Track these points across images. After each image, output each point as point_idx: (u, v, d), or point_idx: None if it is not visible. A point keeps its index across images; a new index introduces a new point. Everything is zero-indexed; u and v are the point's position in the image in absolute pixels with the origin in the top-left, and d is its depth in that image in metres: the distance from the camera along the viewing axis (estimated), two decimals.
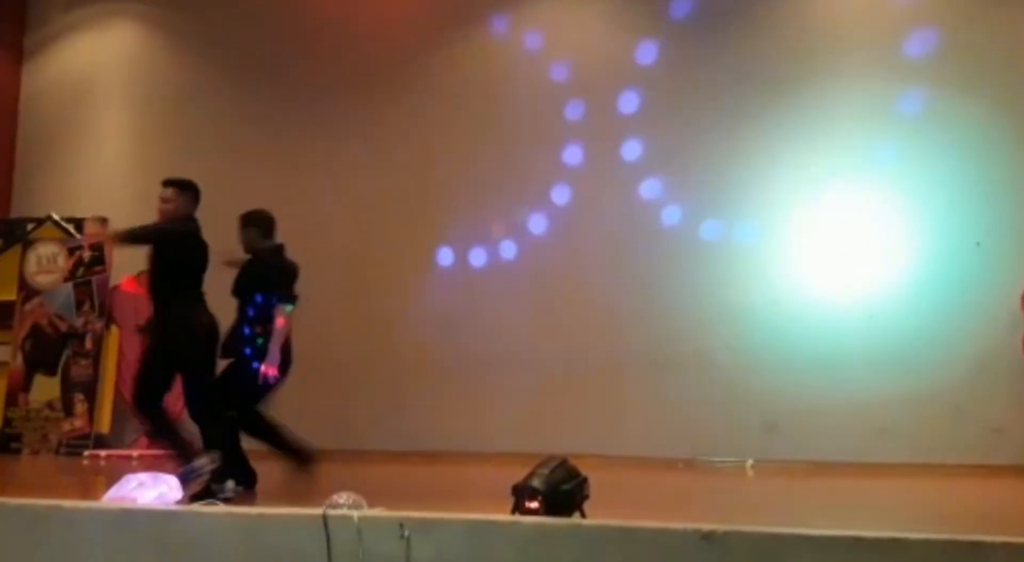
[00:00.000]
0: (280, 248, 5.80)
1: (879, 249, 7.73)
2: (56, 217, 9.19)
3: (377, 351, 8.52)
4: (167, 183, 5.65)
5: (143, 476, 4.14)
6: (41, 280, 9.07)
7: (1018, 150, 7.54)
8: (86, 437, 8.63)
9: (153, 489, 4.05)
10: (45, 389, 8.80)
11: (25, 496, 3.93)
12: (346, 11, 9.07)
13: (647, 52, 8.44)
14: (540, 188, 8.49)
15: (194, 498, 4.55)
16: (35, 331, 8.96)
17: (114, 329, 8.93)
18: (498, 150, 8.60)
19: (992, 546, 2.93)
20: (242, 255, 5.79)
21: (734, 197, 8.08)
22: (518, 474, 3.65)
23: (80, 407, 8.70)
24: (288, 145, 8.93)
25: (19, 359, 8.90)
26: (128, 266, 9.00)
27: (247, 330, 5.50)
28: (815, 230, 7.91)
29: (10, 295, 9.08)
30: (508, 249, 8.51)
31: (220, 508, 3.67)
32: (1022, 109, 7.57)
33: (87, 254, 9.00)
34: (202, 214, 9.29)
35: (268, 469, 5.94)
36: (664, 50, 8.39)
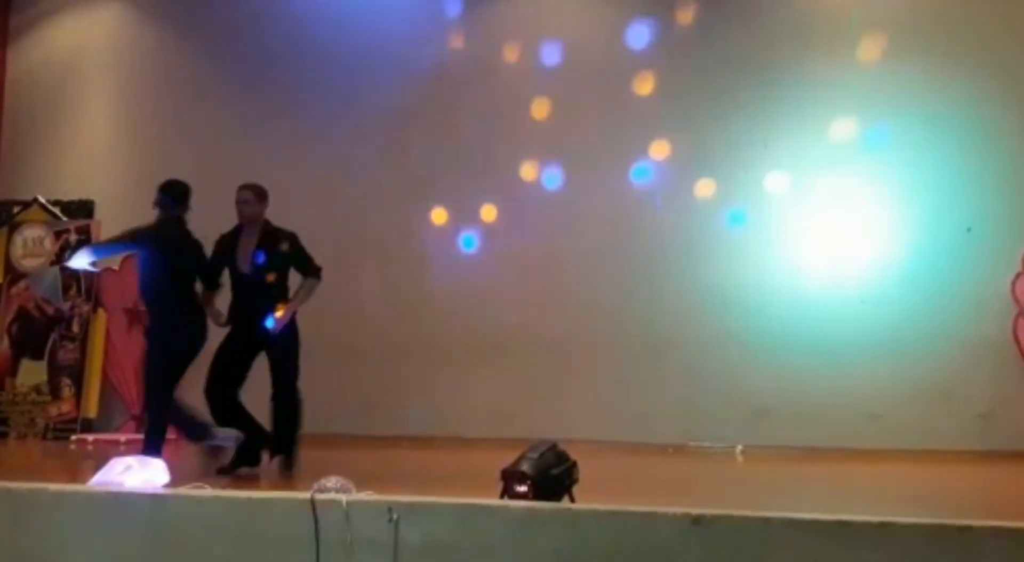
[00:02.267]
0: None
1: (870, 235, 7.72)
2: (42, 200, 9.14)
3: (366, 335, 8.48)
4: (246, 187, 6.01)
5: (130, 460, 4.13)
6: (27, 263, 9.01)
7: (1010, 136, 7.54)
8: (73, 421, 8.60)
9: (140, 473, 4.03)
10: (32, 373, 8.76)
11: (12, 480, 3.90)
12: None
13: (640, 36, 8.39)
14: (533, 172, 8.45)
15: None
16: (21, 315, 8.90)
17: (101, 312, 8.87)
18: (491, 133, 8.55)
19: (981, 530, 2.94)
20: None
21: (727, 183, 8.06)
22: (507, 459, 3.64)
23: (67, 391, 8.65)
24: (277, 128, 8.85)
25: (5, 343, 8.85)
26: None
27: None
28: (807, 216, 7.89)
29: None
30: (499, 234, 8.48)
31: (208, 492, 3.66)
32: (1014, 95, 7.56)
33: (73, 237, 8.94)
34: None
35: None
36: (658, 35, 8.34)
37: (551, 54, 8.52)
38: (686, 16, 8.27)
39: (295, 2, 9.07)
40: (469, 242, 8.53)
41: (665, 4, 8.34)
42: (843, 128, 7.84)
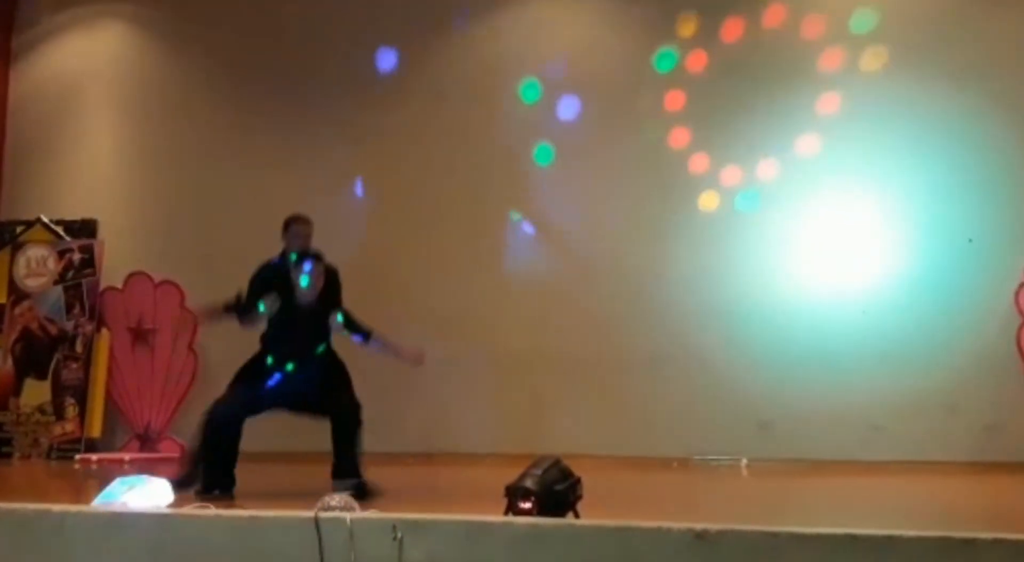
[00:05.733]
0: None
1: (872, 246, 7.73)
2: (45, 219, 9.17)
3: (368, 351, 8.46)
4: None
5: (134, 479, 4.11)
6: (31, 283, 9.02)
7: (1011, 146, 7.55)
8: (77, 441, 8.59)
9: (143, 493, 4.02)
10: (36, 393, 8.76)
11: (16, 501, 3.89)
12: (338, 10, 9.03)
13: (641, 50, 8.42)
14: (535, 187, 8.47)
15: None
16: (25, 334, 8.91)
17: (104, 332, 8.88)
18: (490, 150, 8.57)
19: (986, 543, 2.93)
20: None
21: (727, 195, 8.07)
22: (511, 475, 3.63)
23: (71, 411, 8.65)
24: (278, 147, 8.89)
25: (9, 363, 8.86)
26: (119, 269, 8.97)
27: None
28: (808, 227, 7.90)
29: (0, 298, 9.04)
30: (502, 249, 8.49)
31: (211, 511, 3.65)
32: (1014, 105, 7.58)
33: (76, 257, 8.96)
34: (191, 217, 9.31)
35: (262, 471, 5.92)
36: (659, 47, 8.37)
37: (559, 70, 8.54)
38: (688, 30, 8.30)
39: (298, 21, 9.11)
40: (474, 258, 8.50)
41: (666, 19, 8.37)
42: (843, 140, 7.86)
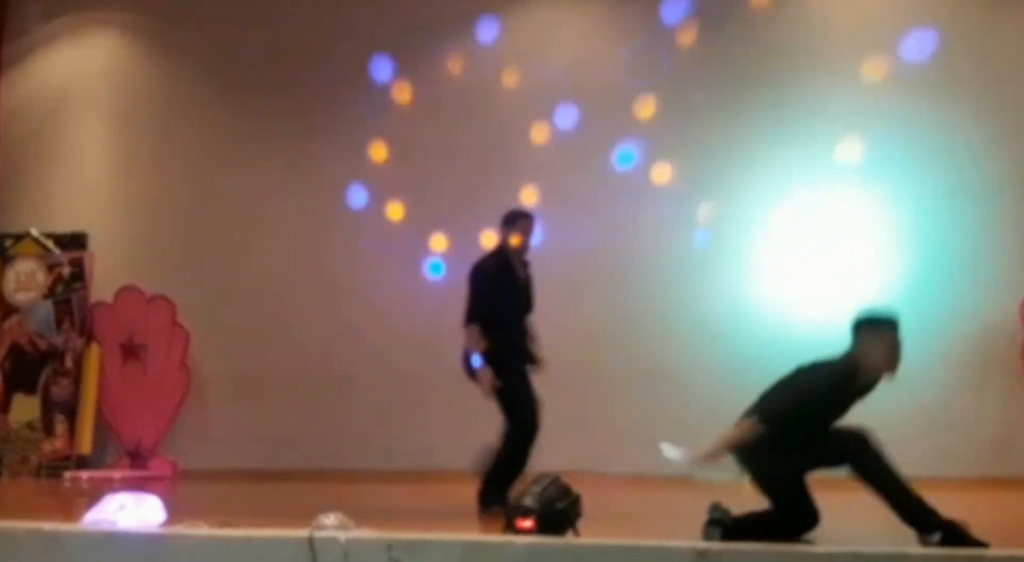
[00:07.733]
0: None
1: (872, 258, 7.70)
2: (35, 233, 9.10)
3: (364, 368, 8.41)
4: None
5: (125, 498, 4.07)
6: (20, 297, 8.94)
7: (1015, 157, 7.53)
8: (67, 458, 8.50)
9: (135, 511, 3.98)
10: (25, 409, 8.67)
11: (4, 519, 3.84)
12: (330, 19, 9.01)
13: (636, 60, 8.42)
14: (532, 198, 8.43)
15: None
16: (14, 350, 8.82)
17: (95, 347, 8.80)
18: (486, 158, 8.54)
19: (993, 559, 2.91)
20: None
21: (721, 207, 8.05)
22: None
23: (61, 427, 8.56)
24: (270, 155, 8.84)
25: None
26: (110, 283, 8.90)
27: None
28: (805, 239, 7.87)
29: None
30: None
31: (203, 531, 3.60)
32: (1013, 114, 7.58)
33: (66, 271, 8.89)
34: (183, 230, 9.24)
35: (253, 490, 5.86)
36: (652, 59, 8.37)
37: (550, 78, 8.52)
38: (687, 38, 8.29)
39: (291, 31, 9.09)
40: (436, 268, 8.49)
41: (663, 26, 8.36)
42: (839, 149, 7.85)
